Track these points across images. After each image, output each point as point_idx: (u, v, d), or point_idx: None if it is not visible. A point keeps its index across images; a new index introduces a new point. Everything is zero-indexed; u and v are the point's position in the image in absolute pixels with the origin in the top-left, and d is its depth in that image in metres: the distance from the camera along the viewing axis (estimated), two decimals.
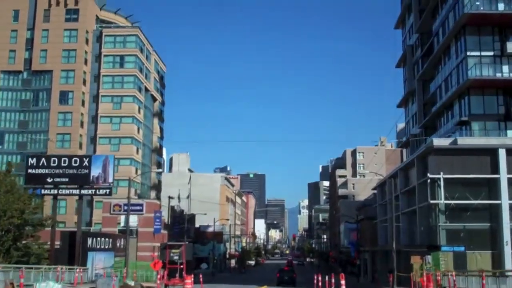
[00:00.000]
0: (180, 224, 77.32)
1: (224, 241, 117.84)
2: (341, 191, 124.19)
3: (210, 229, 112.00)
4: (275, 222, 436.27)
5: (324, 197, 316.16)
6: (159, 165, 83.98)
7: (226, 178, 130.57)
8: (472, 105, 47.16)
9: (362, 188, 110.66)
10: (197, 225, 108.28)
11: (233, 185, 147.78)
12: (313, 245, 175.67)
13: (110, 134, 70.99)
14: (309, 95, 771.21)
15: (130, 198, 65.21)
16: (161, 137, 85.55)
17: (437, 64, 57.09)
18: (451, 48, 52.08)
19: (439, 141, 44.00)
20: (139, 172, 72.49)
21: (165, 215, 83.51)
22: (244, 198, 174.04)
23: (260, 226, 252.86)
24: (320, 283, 39.24)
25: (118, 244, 57.18)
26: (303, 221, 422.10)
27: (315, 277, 41.82)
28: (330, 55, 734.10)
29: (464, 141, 43.30)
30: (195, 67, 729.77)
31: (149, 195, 79.14)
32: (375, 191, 73.79)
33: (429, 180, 42.88)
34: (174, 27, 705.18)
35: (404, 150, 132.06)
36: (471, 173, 42.34)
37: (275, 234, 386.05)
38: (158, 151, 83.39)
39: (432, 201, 42.41)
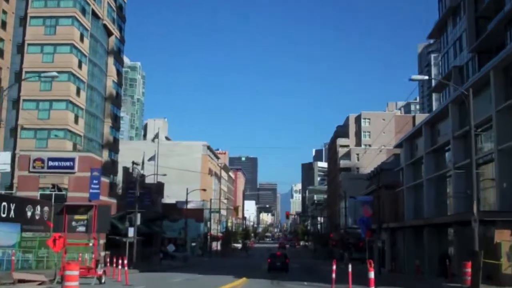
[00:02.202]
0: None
1: (205, 220, 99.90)
2: (343, 163, 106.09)
3: (190, 205, 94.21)
4: (267, 206, 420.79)
5: (319, 179, 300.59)
6: (116, 118, 65.12)
7: (209, 147, 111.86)
8: None
9: (368, 159, 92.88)
10: (172, 200, 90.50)
11: (218, 158, 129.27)
12: (308, 227, 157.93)
13: (40, 67, 52.04)
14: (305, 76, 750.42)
15: (55, 151, 46.72)
16: (119, 84, 66.58)
17: None
18: None
19: None
20: (80, 120, 53.71)
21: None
22: (231, 174, 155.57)
23: (250, 207, 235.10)
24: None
25: (29, 214, 38.69)
26: (295, 205, 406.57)
27: (333, 266, 24.17)
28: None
29: None
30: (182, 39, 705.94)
31: (100, 155, 60.43)
32: (398, 151, 55.72)
33: None
34: None
35: (417, 117, 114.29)
36: None
37: (266, 217, 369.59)
38: (114, 100, 64.51)
39: None
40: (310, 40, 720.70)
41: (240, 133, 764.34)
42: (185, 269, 50.87)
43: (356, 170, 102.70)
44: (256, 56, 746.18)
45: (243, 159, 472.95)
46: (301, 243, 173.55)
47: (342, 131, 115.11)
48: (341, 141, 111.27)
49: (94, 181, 43.90)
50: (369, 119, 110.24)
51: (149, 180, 73.72)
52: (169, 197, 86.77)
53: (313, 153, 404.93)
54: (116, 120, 65.11)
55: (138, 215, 46.10)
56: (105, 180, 47.86)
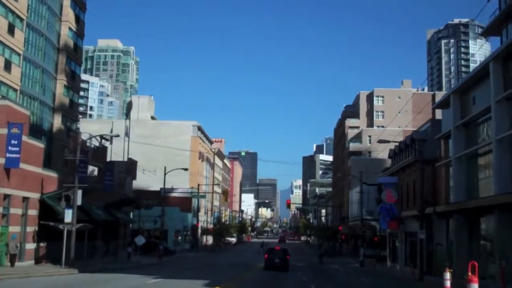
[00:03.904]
0: (97, 168, 45.60)
1: (194, 211, 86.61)
2: (352, 146, 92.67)
3: (176, 193, 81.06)
4: (266, 201, 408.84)
5: (321, 172, 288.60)
6: (73, 77, 51.54)
7: (200, 128, 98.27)
8: None
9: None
10: (156, 187, 77.42)
11: (211, 142, 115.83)
12: (311, 221, 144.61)
13: None
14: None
15: None
16: (79, 34, 52.84)
17: None
18: None
19: None
20: (15, 69, 40.16)
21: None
22: (228, 163, 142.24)
23: (248, 200, 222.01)
24: None
25: None
26: (295, 201, 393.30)
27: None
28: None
29: None
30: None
31: (50, 122, 47.06)
32: (438, 117, 42.41)
33: None
34: None
35: (437, 95, 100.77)
36: None
37: (265, 212, 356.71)
38: (72, 54, 50.87)
39: None
40: (308, 28, 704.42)
41: (240, 128, 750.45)
42: (152, 268, 37.87)
43: (368, 154, 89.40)
44: (256, 46, 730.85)
45: (243, 153, 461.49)
46: (302, 238, 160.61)
47: (351, 112, 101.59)
48: (350, 121, 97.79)
49: (13, 141, 30.38)
50: (382, 97, 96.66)
51: (118, 157, 60.46)
52: (155, 175, 73.80)
53: (314, 149, 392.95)
54: (74, 79, 51.48)
55: (79, 193, 32.59)
56: (34, 143, 34.28)
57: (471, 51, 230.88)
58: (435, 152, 40.99)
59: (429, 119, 48.18)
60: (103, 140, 52.58)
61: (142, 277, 28.06)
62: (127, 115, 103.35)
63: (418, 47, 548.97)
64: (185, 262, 48.81)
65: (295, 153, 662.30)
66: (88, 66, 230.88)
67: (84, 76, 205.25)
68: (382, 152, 79.24)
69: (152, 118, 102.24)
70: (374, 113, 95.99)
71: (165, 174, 56.49)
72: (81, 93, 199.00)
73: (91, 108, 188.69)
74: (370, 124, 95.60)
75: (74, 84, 51.50)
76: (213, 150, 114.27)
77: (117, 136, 38.36)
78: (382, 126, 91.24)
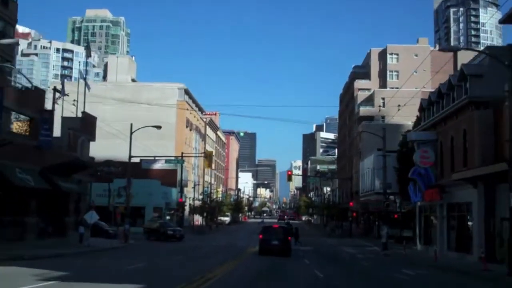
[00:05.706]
0: (28, 118, 33.00)
1: (181, 185, 74.36)
2: (363, 110, 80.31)
3: (158, 165, 68.94)
4: (265, 182, 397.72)
5: (321, 150, 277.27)
6: (6, 4, 38.90)
7: (187, 92, 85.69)
8: None
9: (397, 104, 67.61)
10: (137, 159, 65.31)
11: (202, 111, 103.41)
12: (313, 199, 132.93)
13: None
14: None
15: None
16: None
17: None
18: None
19: None
20: None
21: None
22: (221, 135, 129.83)
23: (245, 178, 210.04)
24: None
25: None
26: (295, 182, 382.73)
27: None
28: None
29: None
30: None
31: None
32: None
33: None
34: None
35: (461, 54, 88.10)
36: None
37: (264, 192, 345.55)
38: None
39: None
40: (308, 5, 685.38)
41: (239, 109, 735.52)
42: (87, 257, 25.87)
43: (381, 119, 77.18)
44: (254, 23, 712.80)
45: (241, 134, 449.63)
46: (303, 218, 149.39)
47: (361, 72, 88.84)
48: (360, 83, 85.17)
49: None
50: (397, 54, 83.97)
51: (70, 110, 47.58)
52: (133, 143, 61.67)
53: (314, 128, 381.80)
54: (6, 6, 38.69)
55: None
56: None
57: (481, 20, 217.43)
58: (496, 92, 28.67)
59: (485, 47, 35.58)
60: (57, 94, 40.30)
61: (33, 276, 15.92)
62: (105, 77, 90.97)
63: (425, 17, 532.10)
64: (157, 246, 36.96)
65: (295, 134, 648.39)
66: (76, 38, 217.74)
67: (68, 45, 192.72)
68: (396, 117, 67.45)
69: (133, 81, 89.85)
70: (388, 73, 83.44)
71: (131, 133, 44.09)
72: (65, 63, 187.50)
73: (76, 79, 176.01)
74: (383, 85, 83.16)
75: (6, 12, 38.75)
76: (204, 119, 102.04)
77: (17, 44, 25.84)
78: (396, 88, 79.00)
